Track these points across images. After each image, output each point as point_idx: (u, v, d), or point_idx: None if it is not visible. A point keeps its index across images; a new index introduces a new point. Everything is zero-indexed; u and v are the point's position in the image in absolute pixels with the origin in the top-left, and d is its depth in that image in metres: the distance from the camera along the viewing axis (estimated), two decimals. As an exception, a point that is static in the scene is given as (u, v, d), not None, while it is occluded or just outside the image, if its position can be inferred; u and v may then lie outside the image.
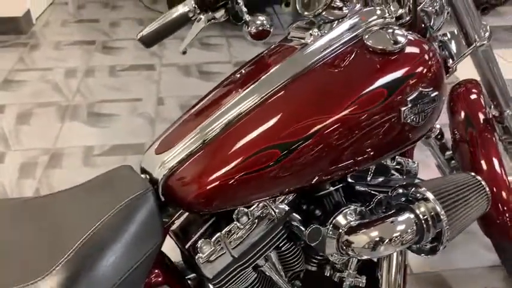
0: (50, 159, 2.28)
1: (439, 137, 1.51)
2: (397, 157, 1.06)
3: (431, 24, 1.16)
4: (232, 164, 0.80)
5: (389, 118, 0.86)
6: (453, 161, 1.54)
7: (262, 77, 0.87)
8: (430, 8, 1.17)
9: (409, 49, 0.89)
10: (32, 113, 2.66)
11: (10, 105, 2.72)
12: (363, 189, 0.99)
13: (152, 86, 2.96)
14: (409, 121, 0.89)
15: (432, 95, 0.90)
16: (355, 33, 0.91)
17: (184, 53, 1.11)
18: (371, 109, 0.84)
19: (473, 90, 1.49)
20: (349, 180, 0.99)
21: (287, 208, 0.91)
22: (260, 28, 1.01)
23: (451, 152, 1.53)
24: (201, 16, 1.03)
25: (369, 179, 1.01)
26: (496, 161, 1.39)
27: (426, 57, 0.90)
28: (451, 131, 1.47)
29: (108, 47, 3.49)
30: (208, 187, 0.79)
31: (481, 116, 1.46)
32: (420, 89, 0.87)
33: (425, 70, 0.89)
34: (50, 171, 2.21)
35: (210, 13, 1.01)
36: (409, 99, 0.86)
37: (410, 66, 0.87)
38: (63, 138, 2.45)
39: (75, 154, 2.31)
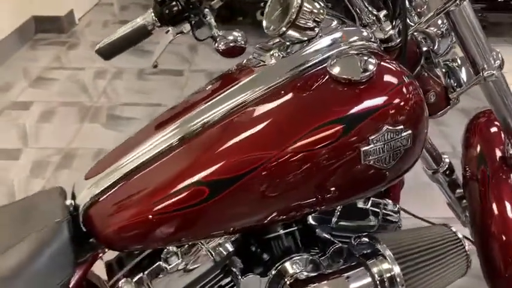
0: (62, 160, 2.29)
1: (447, 172, 1.34)
2: (373, 199, 0.93)
3: (436, 47, 1.02)
4: (157, 199, 0.71)
5: (346, 158, 0.74)
6: (464, 201, 1.37)
7: (206, 103, 0.78)
8: (434, 30, 1.03)
9: (379, 80, 0.77)
10: (56, 111, 2.70)
11: (37, 103, 2.77)
12: (324, 234, 0.87)
13: (176, 92, 2.93)
14: (372, 163, 0.76)
15: (403, 135, 0.77)
16: (322, 57, 0.80)
17: (155, 66, 1.03)
18: (323, 147, 0.72)
19: (495, 123, 1.32)
20: (310, 222, 0.88)
21: (230, 249, 0.81)
22: (231, 44, 0.92)
23: (462, 190, 1.36)
24: (169, 28, 0.95)
25: (333, 221, 0.89)
26: (508, 206, 1.22)
27: (400, 90, 0.77)
28: (463, 166, 1.31)
29: (142, 49, 3.50)
30: (127, 222, 0.71)
31: (498, 153, 1.28)
32: (386, 127, 0.75)
33: (395, 105, 0.76)
34: (59, 172, 2.21)
35: (171, 27, 0.93)
36: (371, 138, 0.74)
37: (376, 100, 0.75)
38: (79, 139, 2.46)
39: (87, 156, 2.31)
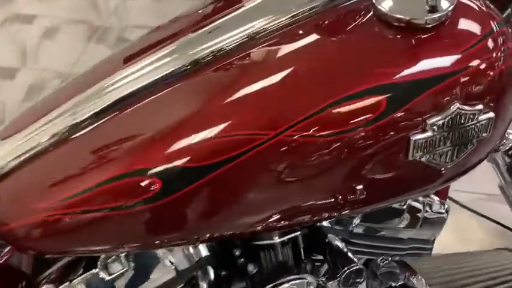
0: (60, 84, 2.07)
1: (510, 152, 1.05)
2: None
3: None
4: (84, 188, 0.46)
5: (384, 149, 0.47)
6: (524, 188, 1.10)
7: (173, 44, 0.51)
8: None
9: (454, 26, 0.48)
10: (61, 29, 2.43)
11: (41, 17, 2.51)
12: (337, 243, 0.62)
13: (195, 17, 2.62)
14: (424, 160, 0.49)
15: (481, 118, 0.49)
16: None
17: None
18: (350, 129, 0.46)
19: None
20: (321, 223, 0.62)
21: (202, 254, 0.58)
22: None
23: (523, 176, 1.08)
24: None
25: (353, 225, 0.64)
26: None
27: (485, 46, 0.48)
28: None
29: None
30: (32, 220, 0.47)
31: None
32: (457, 105, 0.47)
33: (475, 71, 0.48)
34: (55, 98, 2.00)
35: None
36: (429, 121, 0.47)
37: (446, 60, 0.47)
38: (82, 62, 2.21)
39: (88, 83, 2.07)
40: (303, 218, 0.53)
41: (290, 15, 0.50)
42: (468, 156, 0.52)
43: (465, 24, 0.50)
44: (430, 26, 0.47)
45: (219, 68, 0.49)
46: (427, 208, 0.69)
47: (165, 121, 0.48)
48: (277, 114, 0.46)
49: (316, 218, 0.53)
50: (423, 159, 0.50)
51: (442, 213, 0.70)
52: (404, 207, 0.66)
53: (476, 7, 0.52)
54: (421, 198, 0.68)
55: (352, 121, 0.46)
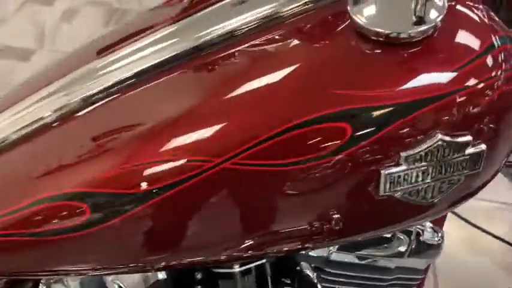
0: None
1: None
2: None
3: None
4: (15, 208, 0.42)
5: (350, 182, 0.41)
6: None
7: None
8: None
9: (443, 41, 0.41)
10: (80, 11, 2.41)
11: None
12: (308, 273, 0.55)
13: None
14: (399, 196, 0.42)
15: (469, 152, 0.42)
16: None
17: None
18: (305, 160, 0.39)
19: None
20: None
21: (160, 277, 0.53)
22: None
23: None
24: None
25: (329, 252, 0.58)
26: None
27: (483, 65, 0.41)
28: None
29: None
30: None
31: None
32: (439, 135, 0.40)
33: (466, 96, 0.41)
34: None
35: None
36: (403, 154, 0.40)
37: (429, 80, 0.40)
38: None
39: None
40: (266, 249, 0.47)
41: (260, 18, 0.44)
42: (454, 192, 0.45)
43: (459, 38, 0.42)
44: (415, 40, 0.40)
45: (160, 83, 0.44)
46: (418, 236, 0.62)
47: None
48: (223, 140, 0.40)
49: (281, 249, 0.47)
50: (398, 194, 0.43)
51: (435, 241, 0.63)
52: (390, 235, 0.60)
53: (475, 18, 0.44)
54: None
55: (309, 150, 0.39)
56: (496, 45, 0.43)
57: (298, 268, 0.57)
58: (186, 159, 0.39)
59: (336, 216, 0.44)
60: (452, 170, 0.42)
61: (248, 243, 0.44)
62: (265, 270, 0.56)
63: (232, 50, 0.44)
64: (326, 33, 0.43)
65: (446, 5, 0.40)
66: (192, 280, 0.55)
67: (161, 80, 0.44)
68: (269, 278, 0.56)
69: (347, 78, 0.40)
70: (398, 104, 0.39)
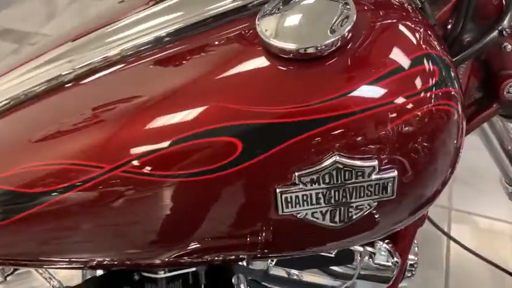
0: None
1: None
2: None
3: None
4: None
5: (247, 200, 0.40)
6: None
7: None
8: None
9: (356, 50, 0.39)
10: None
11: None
12: (242, 287, 0.54)
13: None
14: (300, 216, 0.41)
15: (377, 178, 0.39)
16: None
17: None
18: (194, 174, 0.39)
19: None
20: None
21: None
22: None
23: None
24: None
25: (268, 265, 0.56)
26: None
27: (399, 80, 0.39)
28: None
29: None
30: None
31: None
32: (335, 157, 0.38)
33: (377, 113, 0.39)
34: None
35: None
36: (297, 173, 0.38)
37: (329, 98, 0.38)
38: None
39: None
40: (181, 259, 0.46)
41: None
42: (370, 217, 0.42)
43: (376, 52, 0.39)
44: (326, 52, 0.38)
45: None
46: (370, 257, 0.59)
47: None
48: (115, 147, 0.40)
49: (197, 260, 0.47)
50: (300, 215, 0.41)
51: (388, 265, 0.59)
52: (332, 254, 0.57)
53: (407, 33, 0.41)
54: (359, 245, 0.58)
55: (201, 163, 0.38)
56: (421, 63, 0.39)
57: (233, 280, 0.56)
58: (77, 164, 0.39)
59: (243, 231, 0.43)
60: (357, 195, 0.40)
61: (145, 252, 0.44)
62: (199, 278, 0.56)
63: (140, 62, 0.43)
64: (234, 44, 0.42)
65: (354, 17, 0.38)
66: (125, 279, 0.56)
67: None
68: (202, 286, 0.55)
69: (243, 93, 0.38)
70: (290, 122, 0.37)
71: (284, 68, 0.38)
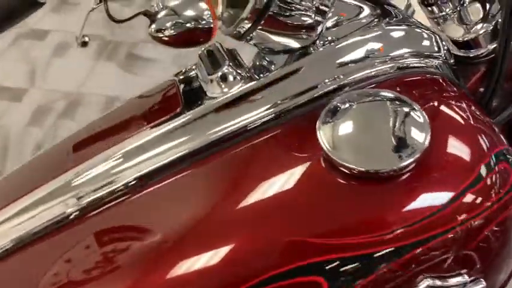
0: (66, 107, 2.02)
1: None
2: None
3: None
4: None
5: None
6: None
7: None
8: None
9: (426, 171, 0.36)
10: (71, 45, 2.39)
11: (54, 32, 2.47)
12: None
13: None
14: None
15: None
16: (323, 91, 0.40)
17: (84, 43, 0.68)
18: None
19: None
20: None
21: None
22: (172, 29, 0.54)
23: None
24: None
25: None
26: None
27: (474, 200, 0.36)
28: None
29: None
30: None
31: None
32: (428, 279, 0.35)
33: (464, 229, 0.36)
34: (60, 122, 1.96)
35: None
36: None
37: (409, 219, 0.35)
38: (90, 82, 2.16)
39: (94, 104, 2.02)
40: None
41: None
42: None
43: (446, 165, 0.37)
44: (397, 173, 0.35)
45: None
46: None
47: None
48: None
49: None
50: None
51: None
52: None
53: (469, 135, 0.38)
54: None
55: None
56: (496, 164, 0.37)
57: None
58: None
59: None
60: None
61: None
62: None
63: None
64: (293, 157, 0.38)
65: (428, 125, 0.35)
66: None
67: None
68: None
69: (317, 224, 0.35)
70: (375, 253, 0.34)
71: (357, 189, 0.35)
